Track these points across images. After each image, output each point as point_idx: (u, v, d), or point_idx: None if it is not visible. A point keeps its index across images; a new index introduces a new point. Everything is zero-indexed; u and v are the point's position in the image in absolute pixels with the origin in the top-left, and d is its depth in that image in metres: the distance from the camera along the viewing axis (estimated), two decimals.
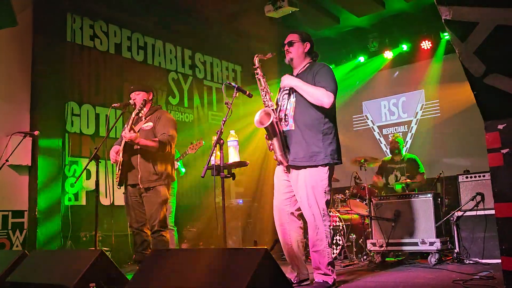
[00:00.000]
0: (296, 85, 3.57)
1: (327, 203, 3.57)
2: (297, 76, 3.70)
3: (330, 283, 3.46)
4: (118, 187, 4.28)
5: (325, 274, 3.48)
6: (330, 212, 6.03)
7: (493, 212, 4.62)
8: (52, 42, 6.30)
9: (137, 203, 4.19)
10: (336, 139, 3.68)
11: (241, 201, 7.22)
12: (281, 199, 3.70)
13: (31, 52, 6.14)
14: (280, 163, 3.62)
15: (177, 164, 5.81)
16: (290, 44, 3.73)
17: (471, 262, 4.73)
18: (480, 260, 4.72)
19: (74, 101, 6.56)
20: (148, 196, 4.12)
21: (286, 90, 3.70)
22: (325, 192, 3.54)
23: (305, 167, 3.53)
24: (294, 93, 3.61)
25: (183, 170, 6.11)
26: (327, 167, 3.57)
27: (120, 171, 4.16)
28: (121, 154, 4.13)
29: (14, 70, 6.00)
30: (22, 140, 4.99)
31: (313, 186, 3.50)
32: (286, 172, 3.66)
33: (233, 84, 3.54)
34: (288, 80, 3.59)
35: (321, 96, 3.50)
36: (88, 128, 6.67)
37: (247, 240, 6.99)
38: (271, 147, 3.59)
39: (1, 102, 5.81)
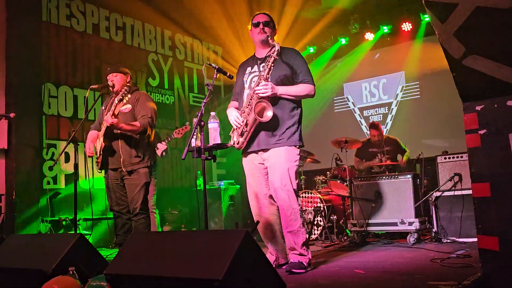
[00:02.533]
0: (281, 93, 3.53)
1: (298, 184, 3.61)
2: (264, 58, 3.63)
3: (306, 264, 3.48)
4: (99, 171, 4.23)
5: (300, 255, 3.50)
6: (311, 193, 6.08)
7: (470, 192, 4.74)
8: (27, 21, 6.13)
9: (117, 186, 4.15)
10: (301, 124, 3.73)
11: (222, 183, 7.22)
12: (257, 183, 3.68)
13: (5, 32, 5.96)
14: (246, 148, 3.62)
15: (165, 145, 5.74)
16: (267, 23, 3.68)
17: (448, 241, 4.83)
18: (457, 239, 4.82)
19: (51, 83, 6.42)
20: (130, 179, 4.08)
21: (256, 72, 3.65)
22: (296, 172, 3.59)
23: (278, 147, 3.54)
24: (266, 76, 3.54)
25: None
26: (299, 149, 3.62)
27: (101, 155, 4.10)
28: (101, 139, 4.07)
29: None
30: None
31: (288, 167, 3.51)
32: (258, 156, 3.64)
33: (213, 65, 3.49)
34: (274, 90, 3.47)
35: (308, 92, 3.61)
36: (66, 110, 6.55)
37: (229, 222, 7.02)
38: (247, 134, 3.56)
39: None
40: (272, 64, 3.53)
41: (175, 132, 5.79)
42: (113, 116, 3.87)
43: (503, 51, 2.36)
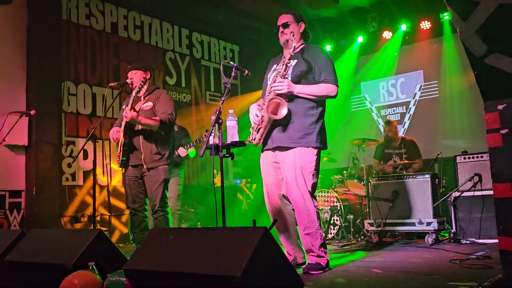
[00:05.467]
0: (299, 91, 3.48)
1: (314, 186, 3.55)
2: (292, 57, 3.55)
3: (324, 264, 3.44)
4: (121, 168, 4.27)
5: (318, 256, 3.46)
6: (328, 192, 6.05)
7: (490, 192, 4.67)
8: (47, 20, 6.22)
9: (135, 183, 4.17)
10: (324, 125, 3.65)
11: (239, 181, 7.23)
12: (271, 182, 3.65)
13: (25, 31, 6.06)
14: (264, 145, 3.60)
15: (191, 148, 5.70)
16: (286, 25, 3.63)
17: (467, 242, 4.77)
18: (476, 240, 4.75)
19: (70, 81, 6.51)
20: (149, 175, 4.11)
21: (279, 70, 3.64)
22: (312, 174, 3.52)
23: (292, 148, 3.49)
24: (288, 74, 3.54)
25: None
26: (317, 150, 3.54)
27: (121, 152, 4.13)
28: (121, 135, 4.10)
29: (9, 49, 5.93)
30: (18, 120, 4.95)
31: (301, 166, 3.47)
32: (274, 154, 3.61)
33: (231, 63, 3.49)
34: (290, 88, 3.44)
35: (328, 93, 3.53)
36: (84, 108, 6.63)
37: (245, 221, 7.02)
38: (263, 130, 3.53)
39: None
40: (289, 61, 3.49)
41: (204, 135, 5.76)
42: (132, 110, 3.91)
43: None
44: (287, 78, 3.49)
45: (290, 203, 3.60)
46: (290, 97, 3.48)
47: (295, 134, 3.49)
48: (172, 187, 5.38)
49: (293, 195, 3.49)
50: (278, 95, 3.42)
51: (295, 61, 3.59)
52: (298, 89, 3.48)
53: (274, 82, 3.47)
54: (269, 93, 3.49)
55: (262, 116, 3.50)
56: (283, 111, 3.38)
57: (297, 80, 3.52)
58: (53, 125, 6.16)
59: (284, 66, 3.48)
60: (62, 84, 6.37)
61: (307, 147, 3.50)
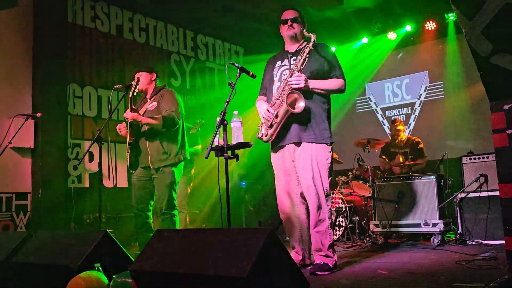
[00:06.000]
0: (313, 87, 3.50)
1: (330, 183, 3.55)
2: (295, 52, 3.61)
3: (331, 265, 3.43)
4: (131, 171, 4.28)
5: (326, 256, 3.46)
6: (332, 194, 6.04)
7: (496, 193, 4.65)
8: (53, 23, 6.23)
9: (143, 184, 4.19)
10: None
11: (244, 183, 7.23)
12: (287, 180, 3.63)
13: (31, 34, 6.08)
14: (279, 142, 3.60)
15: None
16: (295, 20, 3.66)
17: (473, 243, 4.75)
18: (482, 241, 4.73)
19: (76, 83, 6.53)
20: (157, 177, 4.14)
21: (286, 66, 3.64)
22: (328, 172, 3.52)
23: (309, 144, 3.50)
24: (300, 68, 3.53)
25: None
26: (331, 146, 3.56)
27: (129, 154, 4.17)
28: (128, 136, 4.13)
29: (15, 52, 5.95)
30: (24, 122, 4.97)
31: (318, 163, 3.47)
32: (289, 150, 3.59)
33: (236, 64, 3.50)
34: (306, 83, 3.43)
35: (340, 87, 3.61)
36: (90, 110, 6.65)
37: (250, 222, 7.02)
38: (277, 126, 3.52)
39: (2, 85, 5.78)
40: (307, 55, 3.49)
41: (191, 130, 5.86)
42: (132, 111, 3.94)
43: None
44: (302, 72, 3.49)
45: (305, 202, 3.59)
46: (304, 93, 3.48)
47: (311, 130, 3.51)
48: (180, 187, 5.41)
49: (308, 192, 3.49)
50: (295, 89, 3.42)
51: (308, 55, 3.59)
52: (313, 84, 3.50)
53: (291, 76, 3.47)
54: (282, 89, 3.50)
55: (277, 112, 3.48)
56: (301, 104, 3.38)
57: (311, 76, 3.53)
58: (59, 128, 6.18)
59: (302, 60, 3.49)
60: (67, 86, 6.39)
61: (323, 143, 3.51)
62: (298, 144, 3.54)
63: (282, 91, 3.49)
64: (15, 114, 5.15)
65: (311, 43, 3.47)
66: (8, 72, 5.85)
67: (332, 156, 3.58)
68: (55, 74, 6.21)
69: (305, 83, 3.42)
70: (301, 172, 3.52)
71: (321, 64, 3.59)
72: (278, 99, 3.51)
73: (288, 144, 3.57)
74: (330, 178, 3.55)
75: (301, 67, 3.49)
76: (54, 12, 6.27)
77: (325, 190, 3.49)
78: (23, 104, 5.90)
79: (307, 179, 3.47)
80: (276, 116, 3.49)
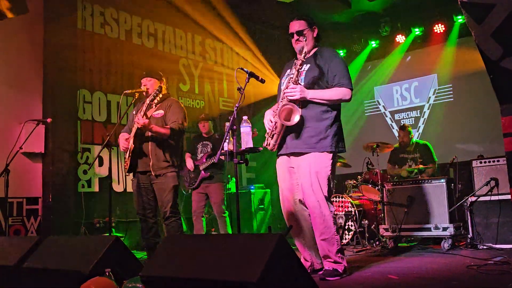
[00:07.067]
0: (312, 97, 3.45)
1: (330, 191, 3.53)
2: (304, 62, 3.53)
3: (341, 270, 3.40)
4: (127, 174, 4.31)
5: (335, 262, 3.43)
6: (342, 197, 6.02)
7: (507, 197, 4.61)
8: (63, 29, 6.30)
9: (145, 190, 4.21)
10: (340, 128, 3.62)
11: (252, 187, 7.23)
12: (287, 187, 3.63)
13: (42, 40, 6.15)
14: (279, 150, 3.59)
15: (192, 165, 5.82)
16: (300, 33, 3.60)
17: (484, 247, 4.71)
18: (494, 246, 4.69)
19: (86, 89, 6.59)
20: (158, 183, 4.14)
21: (291, 75, 3.62)
22: (328, 179, 3.50)
23: (307, 153, 3.48)
24: (300, 79, 3.53)
25: None
26: (332, 154, 3.52)
27: (130, 158, 4.17)
28: (131, 141, 4.13)
29: (26, 58, 6.02)
30: (35, 128, 5.02)
31: (317, 172, 3.45)
32: (289, 159, 3.60)
33: (245, 70, 3.50)
34: (303, 94, 3.41)
35: (342, 96, 3.49)
36: (100, 115, 6.70)
37: (259, 227, 7.01)
38: (277, 136, 3.52)
39: (13, 90, 5.85)
40: (300, 67, 3.47)
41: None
42: (144, 117, 3.94)
43: None
44: (299, 83, 3.47)
45: (307, 209, 3.57)
46: (303, 102, 3.46)
47: (309, 139, 3.47)
48: (216, 192, 5.48)
49: (308, 201, 3.47)
50: (291, 101, 3.42)
51: (308, 65, 3.57)
52: (311, 94, 3.45)
53: (287, 88, 3.46)
54: (281, 99, 3.49)
55: (276, 122, 3.48)
56: (296, 118, 3.35)
57: (310, 85, 3.50)
58: (69, 133, 6.23)
59: (296, 72, 3.45)
60: (77, 92, 6.45)
61: (322, 152, 3.48)
62: (296, 153, 3.53)
63: (281, 102, 3.49)
64: (26, 120, 5.21)
65: (303, 55, 3.43)
66: (18, 78, 5.92)
67: (333, 164, 3.54)
68: (65, 79, 6.27)
69: (301, 94, 3.38)
70: (301, 181, 3.52)
71: (320, 72, 3.53)
72: (277, 109, 3.51)
73: (288, 153, 3.57)
74: (330, 186, 3.51)
75: (297, 78, 3.45)
76: (64, 18, 6.34)
77: (326, 197, 3.46)
78: (34, 109, 5.97)
79: (307, 188, 3.46)
80: (276, 126, 3.49)
